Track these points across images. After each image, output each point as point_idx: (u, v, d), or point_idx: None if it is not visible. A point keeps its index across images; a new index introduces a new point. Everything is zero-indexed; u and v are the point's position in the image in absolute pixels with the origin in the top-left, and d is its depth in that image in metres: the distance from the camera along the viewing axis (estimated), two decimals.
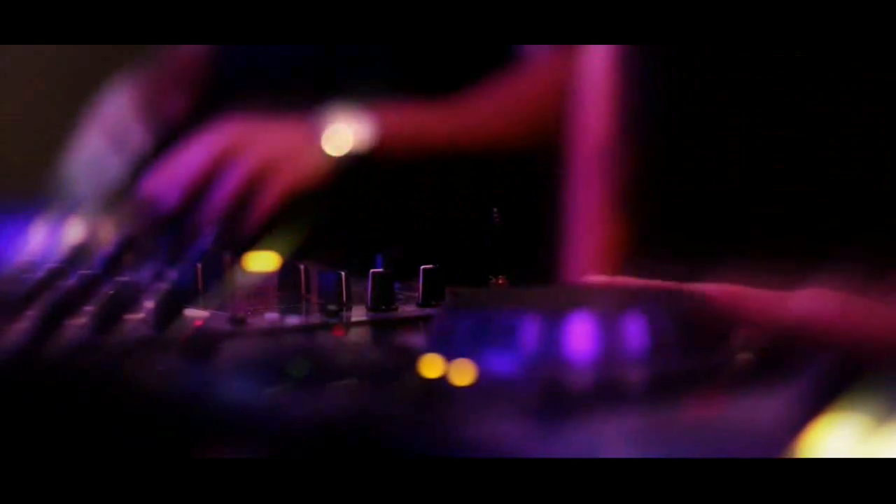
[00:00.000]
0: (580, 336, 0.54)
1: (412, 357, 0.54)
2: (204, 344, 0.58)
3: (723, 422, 0.48)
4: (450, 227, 1.26)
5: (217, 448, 0.49)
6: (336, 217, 1.24)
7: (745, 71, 0.83)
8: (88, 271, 0.69)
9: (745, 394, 0.51)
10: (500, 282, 0.76)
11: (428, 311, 0.72)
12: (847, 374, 0.45)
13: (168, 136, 1.37)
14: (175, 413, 0.51)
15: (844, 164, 0.79)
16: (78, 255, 0.81)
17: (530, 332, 0.55)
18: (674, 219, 0.88)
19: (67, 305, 0.61)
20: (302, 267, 0.80)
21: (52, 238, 0.92)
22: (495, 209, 0.77)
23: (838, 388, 0.44)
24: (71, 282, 0.66)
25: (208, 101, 1.47)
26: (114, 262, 0.78)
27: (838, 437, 0.42)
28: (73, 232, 0.94)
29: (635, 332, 0.55)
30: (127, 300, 0.63)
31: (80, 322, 0.61)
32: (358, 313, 0.71)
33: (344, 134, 1.23)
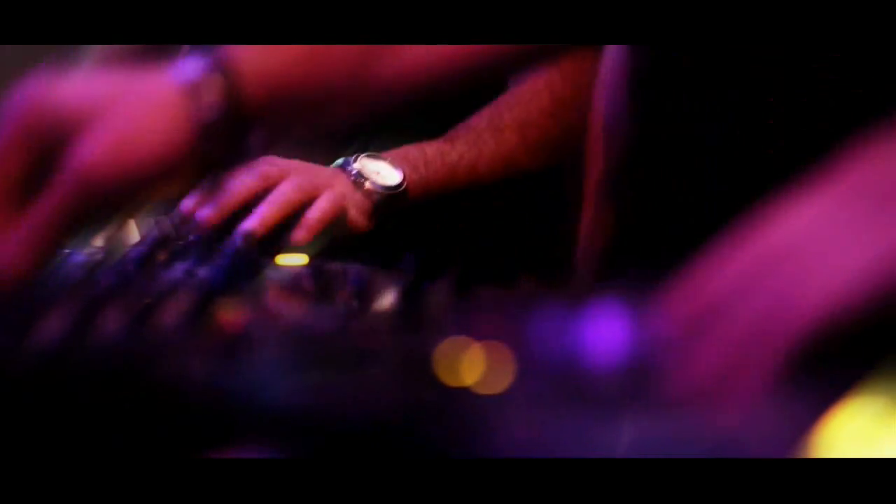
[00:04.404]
0: (603, 334, 0.55)
1: (439, 356, 0.55)
2: (235, 340, 0.58)
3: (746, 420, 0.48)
4: (479, 225, 1.25)
5: (247, 443, 0.50)
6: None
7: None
8: (122, 267, 0.70)
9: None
10: (528, 280, 0.77)
11: (455, 309, 0.72)
12: (862, 368, 0.45)
13: None
14: (207, 409, 0.52)
15: None
16: (112, 251, 0.82)
17: (554, 329, 0.55)
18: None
19: (101, 301, 0.61)
20: (331, 265, 0.81)
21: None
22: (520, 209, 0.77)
23: (854, 383, 0.44)
24: (105, 277, 0.67)
25: None
26: (147, 259, 0.78)
27: (855, 432, 0.42)
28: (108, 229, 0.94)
29: (654, 329, 0.55)
30: (160, 297, 0.64)
31: (113, 318, 0.61)
32: (385, 311, 0.71)
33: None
